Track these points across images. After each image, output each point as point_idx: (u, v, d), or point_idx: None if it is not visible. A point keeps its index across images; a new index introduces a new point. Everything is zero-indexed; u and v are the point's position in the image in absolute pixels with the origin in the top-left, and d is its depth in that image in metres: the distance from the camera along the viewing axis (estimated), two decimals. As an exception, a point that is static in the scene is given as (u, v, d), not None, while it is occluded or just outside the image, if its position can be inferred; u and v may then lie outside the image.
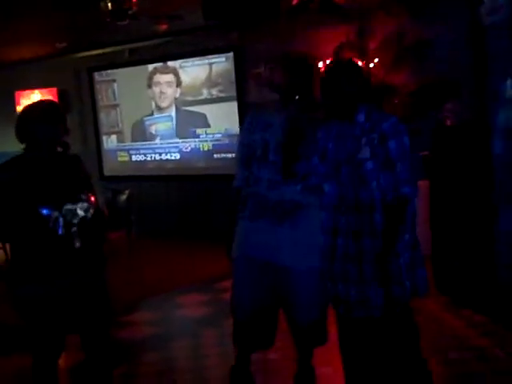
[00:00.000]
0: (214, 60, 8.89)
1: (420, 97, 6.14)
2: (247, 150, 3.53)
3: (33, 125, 3.27)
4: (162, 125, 9.62)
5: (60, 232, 3.19)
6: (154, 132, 9.73)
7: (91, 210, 3.31)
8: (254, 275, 3.49)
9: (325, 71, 2.98)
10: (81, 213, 3.27)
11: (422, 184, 4.57)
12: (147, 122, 9.77)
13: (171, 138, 9.54)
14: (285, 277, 3.43)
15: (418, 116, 6.02)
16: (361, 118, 2.84)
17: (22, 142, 3.32)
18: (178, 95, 9.34)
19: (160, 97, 9.53)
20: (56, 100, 10.10)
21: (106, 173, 10.31)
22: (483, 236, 5.39)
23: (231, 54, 8.71)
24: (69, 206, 3.22)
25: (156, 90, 9.57)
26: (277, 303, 3.58)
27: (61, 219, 3.19)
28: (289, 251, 3.37)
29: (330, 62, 3.19)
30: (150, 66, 9.61)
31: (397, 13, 6.34)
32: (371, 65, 6.42)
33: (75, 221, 3.24)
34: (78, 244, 3.24)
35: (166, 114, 9.53)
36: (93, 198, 3.35)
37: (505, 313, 4.94)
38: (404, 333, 2.92)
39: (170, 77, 9.39)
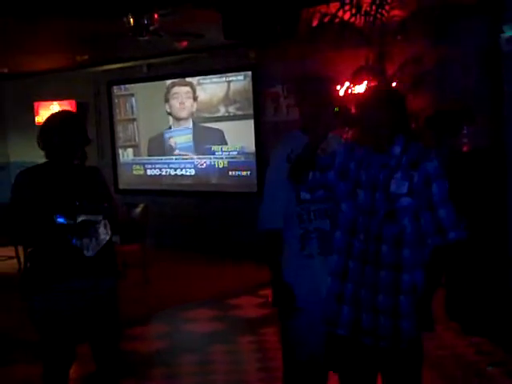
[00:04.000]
0: (231, 78, 8.96)
1: (437, 122, 6.15)
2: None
3: (51, 133, 3.37)
4: (182, 138, 9.66)
5: (74, 242, 3.24)
6: (173, 145, 9.77)
7: (105, 222, 3.37)
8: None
9: (363, 99, 2.90)
10: (95, 225, 3.32)
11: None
12: (166, 135, 9.83)
13: (190, 150, 9.57)
14: None
15: (434, 142, 6.03)
16: (397, 150, 2.77)
17: (42, 150, 3.41)
18: (194, 109, 9.41)
19: (179, 108, 9.58)
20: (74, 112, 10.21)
21: (121, 186, 10.37)
22: (497, 263, 5.38)
23: (249, 73, 8.77)
24: (83, 217, 3.27)
25: (174, 102, 9.62)
26: None
27: (75, 229, 3.24)
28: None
29: (367, 89, 3.08)
30: (168, 82, 9.69)
31: (416, 38, 6.37)
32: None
33: (89, 231, 3.29)
34: (90, 253, 3.28)
35: (185, 126, 9.60)
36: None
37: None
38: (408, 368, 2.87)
39: (187, 88, 9.45)
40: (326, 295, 2.92)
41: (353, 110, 2.98)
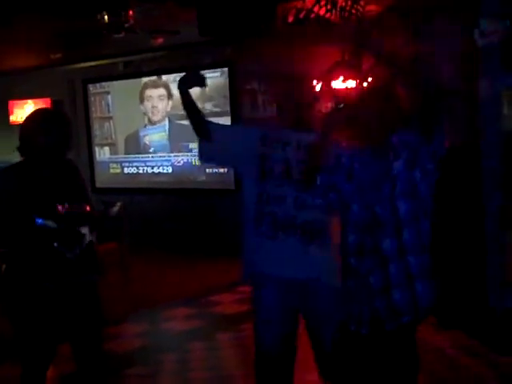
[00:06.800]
0: (208, 75, 8.92)
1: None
2: (260, 162, 3.35)
3: (32, 133, 3.28)
4: (157, 136, 9.64)
5: (56, 245, 3.21)
6: (148, 143, 9.74)
7: (85, 221, 3.33)
8: (280, 296, 3.34)
9: (360, 97, 2.94)
10: (78, 226, 3.29)
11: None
12: (141, 133, 9.79)
13: (164, 150, 9.56)
14: (314, 293, 3.35)
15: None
16: (395, 139, 2.80)
17: (22, 149, 3.32)
18: (169, 108, 9.37)
19: (152, 111, 9.57)
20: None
21: (98, 185, 10.31)
22: (473, 256, 5.43)
23: (226, 70, 8.76)
24: (63, 218, 3.23)
25: (148, 104, 9.61)
26: (297, 328, 3.44)
27: (57, 231, 3.21)
28: (320, 267, 3.29)
29: (361, 88, 3.12)
30: (142, 82, 9.65)
31: (392, 33, 6.39)
32: (365, 84, 6.43)
33: (72, 233, 3.26)
34: (71, 255, 3.25)
35: (160, 125, 9.56)
36: (88, 208, 3.36)
37: (493, 334, 4.96)
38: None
39: (161, 90, 9.43)
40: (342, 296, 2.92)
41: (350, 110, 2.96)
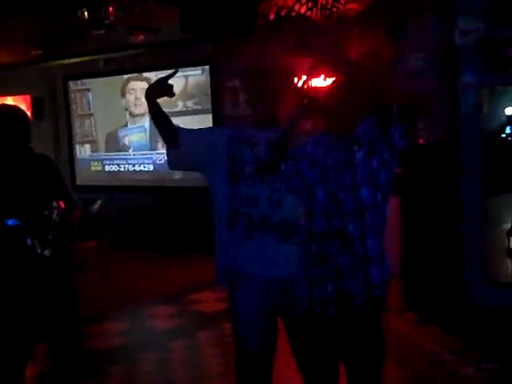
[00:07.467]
0: (189, 72, 8.91)
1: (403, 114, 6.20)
2: (230, 164, 3.35)
3: None
4: (136, 136, 9.60)
5: (29, 242, 3.17)
6: (127, 143, 9.71)
7: (59, 218, 3.30)
8: (258, 295, 3.31)
9: (332, 89, 3.00)
10: (49, 222, 3.25)
11: (394, 201, 4.61)
12: (120, 134, 9.75)
13: (144, 149, 9.53)
14: (293, 289, 3.31)
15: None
16: (359, 130, 2.90)
17: None
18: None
19: (135, 104, 9.52)
20: (29, 107, 10.04)
21: (78, 182, 10.24)
22: (452, 253, 5.47)
23: (207, 67, 8.74)
24: (36, 216, 3.20)
25: (130, 97, 9.56)
26: (277, 327, 3.40)
27: (28, 229, 3.18)
28: (298, 263, 3.24)
29: (335, 80, 3.15)
30: (125, 76, 9.60)
31: (372, 31, 6.41)
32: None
33: (44, 230, 3.23)
34: (47, 253, 3.22)
35: (140, 124, 9.52)
36: (62, 205, 3.32)
37: (472, 330, 5.00)
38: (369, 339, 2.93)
39: (144, 84, 9.37)
40: (306, 281, 3.01)
41: (324, 100, 3.03)
